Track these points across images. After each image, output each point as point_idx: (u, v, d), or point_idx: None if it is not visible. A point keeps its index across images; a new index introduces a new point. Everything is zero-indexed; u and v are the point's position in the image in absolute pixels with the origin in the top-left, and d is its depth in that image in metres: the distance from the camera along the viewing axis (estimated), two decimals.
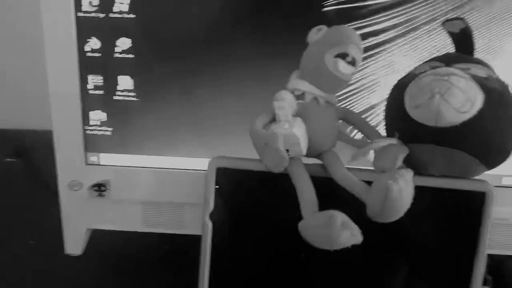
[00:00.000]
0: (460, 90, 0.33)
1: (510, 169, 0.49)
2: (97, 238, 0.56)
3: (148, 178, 0.51)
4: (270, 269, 0.42)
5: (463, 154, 0.35)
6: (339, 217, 0.32)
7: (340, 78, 0.37)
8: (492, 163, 0.37)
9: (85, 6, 0.46)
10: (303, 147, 0.36)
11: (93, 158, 0.50)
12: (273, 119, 0.37)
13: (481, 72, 0.36)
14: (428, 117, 0.34)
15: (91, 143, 0.50)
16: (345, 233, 0.32)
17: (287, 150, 0.35)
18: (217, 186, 0.40)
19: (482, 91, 0.34)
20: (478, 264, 0.39)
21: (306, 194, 0.36)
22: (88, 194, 0.51)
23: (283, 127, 0.35)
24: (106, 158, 0.51)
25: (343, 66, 0.36)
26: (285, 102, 0.36)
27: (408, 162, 0.37)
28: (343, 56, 0.36)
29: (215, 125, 0.49)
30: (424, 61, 0.39)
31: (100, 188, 0.50)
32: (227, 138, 0.49)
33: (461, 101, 0.33)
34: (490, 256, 0.53)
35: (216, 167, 0.40)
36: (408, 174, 0.33)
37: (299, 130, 0.36)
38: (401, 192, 0.32)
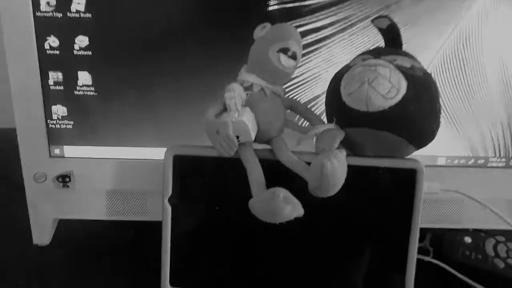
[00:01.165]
0: (385, 79, 0.37)
1: (444, 151, 0.54)
2: (64, 227, 0.57)
3: (110, 168, 0.52)
4: (227, 246, 0.45)
5: (391, 136, 0.38)
6: (282, 192, 0.36)
7: (283, 70, 0.39)
8: (419, 143, 0.40)
9: (43, 6, 0.47)
10: (252, 134, 0.39)
11: (56, 151, 0.52)
12: (225, 109, 0.39)
13: (405, 62, 0.39)
14: (359, 103, 0.37)
15: (54, 136, 0.51)
16: (287, 206, 0.36)
17: (237, 137, 0.38)
18: (174, 172, 0.42)
19: (405, 79, 0.37)
20: (413, 234, 0.42)
21: (255, 175, 0.39)
22: (53, 186, 0.52)
23: (233, 115, 0.38)
24: (69, 150, 0.52)
25: (284, 60, 0.38)
26: (234, 93, 0.38)
27: (346, 144, 0.41)
28: (284, 51, 0.38)
29: (171, 116, 0.51)
30: (358, 54, 0.43)
31: (64, 179, 0.52)
32: (183, 128, 0.51)
33: (387, 88, 0.37)
34: (432, 230, 0.59)
35: (173, 155, 0.42)
36: (341, 153, 0.37)
37: (247, 118, 0.38)
38: (334, 169, 0.35)
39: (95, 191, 0.54)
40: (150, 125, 0.52)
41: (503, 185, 0.55)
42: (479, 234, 0.57)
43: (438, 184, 0.45)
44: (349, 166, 0.37)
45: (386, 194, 0.43)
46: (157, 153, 0.52)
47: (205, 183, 0.43)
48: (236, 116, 0.38)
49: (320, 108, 0.51)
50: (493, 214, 0.46)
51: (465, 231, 0.58)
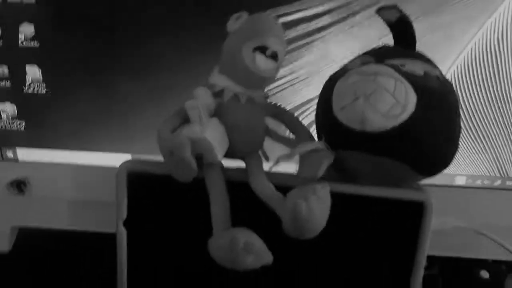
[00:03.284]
0: (387, 92, 0.29)
1: (464, 168, 0.45)
2: (26, 235, 0.52)
3: (69, 175, 0.47)
4: (189, 282, 0.38)
5: (394, 163, 0.31)
6: (241, 239, 0.29)
7: (258, 74, 0.32)
8: (429, 172, 0.33)
9: None
10: (218, 153, 0.32)
11: (9, 154, 0.46)
12: (187, 121, 0.32)
13: (417, 68, 0.31)
14: (353, 120, 0.30)
15: (5, 137, 0.46)
16: (248, 256, 0.29)
17: (201, 158, 0.31)
18: (130, 192, 0.36)
19: (415, 92, 0.30)
20: (416, 277, 0.35)
21: (217, 209, 0.32)
22: (8, 192, 0.47)
23: (195, 130, 0.31)
24: (23, 153, 0.46)
25: (261, 61, 0.32)
26: (197, 101, 0.32)
27: (337, 168, 0.33)
28: (261, 49, 0.32)
29: (136, 118, 0.45)
30: (358, 54, 0.35)
31: (19, 185, 0.46)
32: (148, 133, 0.45)
33: (389, 105, 0.29)
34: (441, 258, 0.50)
35: (127, 172, 0.35)
36: (324, 190, 0.29)
37: (213, 133, 0.31)
38: (311, 210, 0.28)
39: (53, 200, 0.48)
40: (110, 128, 0.45)
41: None
42: (499, 268, 0.49)
43: (452, 219, 0.37)
44: (340, 195, 0.31)
45: (384, 231, 0.35)
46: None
47: (165, 206, 0.36)
48: (197, 131, 0.31)
49: (310, 117, 0.44)
50: None
51: (483, 263, 0.50)
